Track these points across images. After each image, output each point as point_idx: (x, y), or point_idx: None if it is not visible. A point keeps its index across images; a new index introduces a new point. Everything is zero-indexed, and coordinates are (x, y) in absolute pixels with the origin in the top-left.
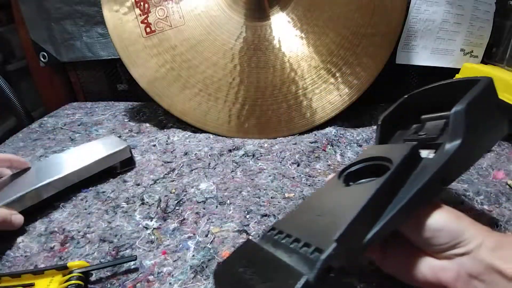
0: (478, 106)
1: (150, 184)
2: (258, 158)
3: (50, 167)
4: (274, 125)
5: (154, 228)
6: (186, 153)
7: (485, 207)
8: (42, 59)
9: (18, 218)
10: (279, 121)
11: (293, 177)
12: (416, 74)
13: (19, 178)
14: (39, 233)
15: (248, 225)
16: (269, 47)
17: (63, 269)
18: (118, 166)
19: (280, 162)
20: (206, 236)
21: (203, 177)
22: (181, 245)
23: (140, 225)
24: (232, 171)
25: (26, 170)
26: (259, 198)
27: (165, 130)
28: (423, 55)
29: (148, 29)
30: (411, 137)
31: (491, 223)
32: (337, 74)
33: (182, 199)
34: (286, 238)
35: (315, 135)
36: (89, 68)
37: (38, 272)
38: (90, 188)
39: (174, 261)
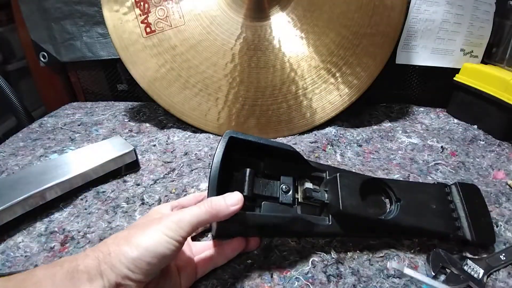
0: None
1: (150, 184)
2: None
3: (55, 169)
4: (274, 125)
5: None
6: (186, 153)
7: None
8: (42, 59)
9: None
10: (279, 121)
11: None
12: (416, 74)
13: (24, 179)
14: (39, 233)
15: None
16: (269, 47)
17: None
18: (123, 168)
19: None
20: (206, 236)
21: (203, 177)
22: None
23: None
24: None
25: (30, 170)
26: None
27: (165, 130)
28: (423, 55)
29: (148, 29)
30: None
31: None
32: (337, 74)
33: None
34: None
35: (315, 135)
36: (89, 68)
37: None
38: (90, 188)
39: None
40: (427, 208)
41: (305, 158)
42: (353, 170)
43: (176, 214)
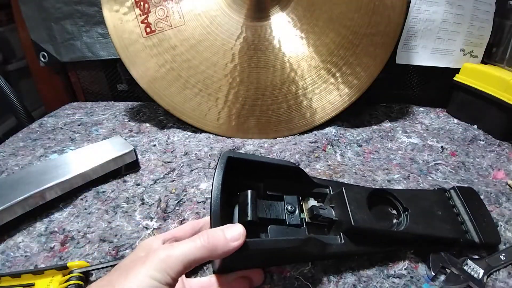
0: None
1: (150, 184)
2: None
3: (55, 169)
4: (274, 125)
5: (154, 228)
6: (186, 153)
7: None
8: (42, 59)
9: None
10: (279, 121)
11: None
12: (416, 74)
13: (24, 179)
14: (39, 233)
15: None
16: (269, 47)
17: (63, 269)
18: (123, 168)
19: None
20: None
21: (203, 177)
22: None
23: (140, 225)
24: None
25: (30, 170)
26: None
27: (165, 130)
28: (423, 55)
29: (148, 29)
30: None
31: None
32: (337, 74)
33: (182, 199)
34: None
35: (315, 135)
36: (89, 68)
37: (38, 272)
38: (90, 188)
39: None
40: (434, 215)
41: (307, 174)
42: (353, 170)
43: (164, 249)
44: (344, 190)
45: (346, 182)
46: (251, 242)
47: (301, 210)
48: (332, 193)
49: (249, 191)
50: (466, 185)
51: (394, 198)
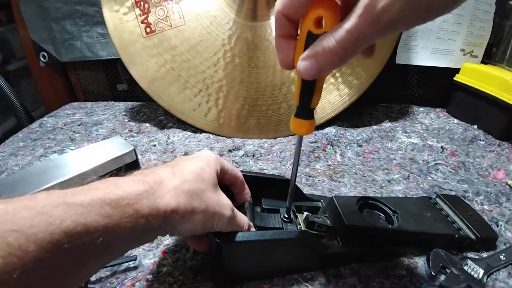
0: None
1: None
2: (258, 158)
3: (55, 169)
4: (274, 125)
5: None
6: (186, 153)
7: (485, 207)
8: (42, 59)
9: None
10: (279, 121)
11: None
12: (416, 74)
13: (24, 179)
14: None
15: None
16: (269, 47)
17: None
18: (123, 168)
19: (280, 162)
20: (206, 236)
21: None
22: (181, 245)
23: None
24: None
25: (30, 170)
26: None
27: (165, 130)
28: (423, 55)
29: (148, 29)
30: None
31: (491, 223)
32: (337, 74)
33: None
34: None
35: (315, 135)
36: (89, 68)
37: None
38: None
39: (173, 261)
40: (424, 216)
41: (298, 187)
42: (353, 170)
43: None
44: (334, 198)
45: (346, 182)
46: (253, 232)
47: (297, 221)
48: (324, 205)
49: (246, 203)
50: (452, 193)
51: (381, 203)
